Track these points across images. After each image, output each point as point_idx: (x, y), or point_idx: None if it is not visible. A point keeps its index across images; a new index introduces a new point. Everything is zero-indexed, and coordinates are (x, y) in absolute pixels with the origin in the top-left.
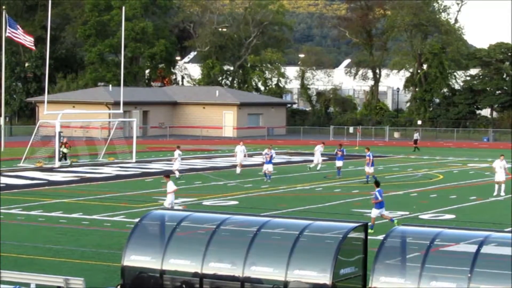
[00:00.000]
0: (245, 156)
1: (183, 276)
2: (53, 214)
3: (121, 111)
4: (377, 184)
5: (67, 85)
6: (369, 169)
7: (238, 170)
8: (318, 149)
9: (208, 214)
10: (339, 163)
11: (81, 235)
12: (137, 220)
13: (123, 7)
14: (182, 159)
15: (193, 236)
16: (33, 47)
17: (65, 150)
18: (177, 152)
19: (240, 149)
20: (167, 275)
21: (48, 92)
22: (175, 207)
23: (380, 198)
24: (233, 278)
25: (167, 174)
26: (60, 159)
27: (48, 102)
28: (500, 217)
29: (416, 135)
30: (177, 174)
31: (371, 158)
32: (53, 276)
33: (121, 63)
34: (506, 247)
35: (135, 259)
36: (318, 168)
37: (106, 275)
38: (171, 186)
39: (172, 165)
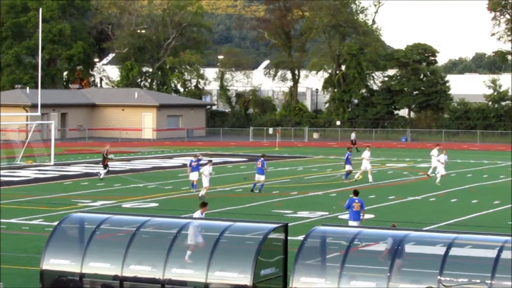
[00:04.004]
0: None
1: (103, 279)
2: None
3: (39, 113)
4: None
5: None
6: (259, 177)
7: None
8: (366, 155)
9: (128, 216)
10: (348, 167)
11: None
12: (56, 223)
13: (40, 9)
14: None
15: (113, 239)
16: None
17: None
18: (207, 168)
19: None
20: (86, 278)
21: None
22: None
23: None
24: (153, 281)
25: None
26: None
27: None
28: (419, 216)
29: (352, 135)
30: (203, 191)
31: (265, 165)
32: None
33: (39, 65)
34: (425, 246)
35: (54, 263)
36: (370, 180)
37: (25, 279)
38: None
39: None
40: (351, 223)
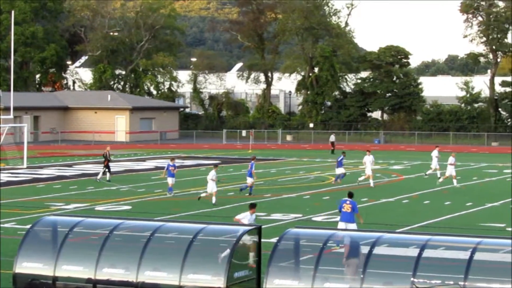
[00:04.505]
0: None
1: (76, 282)
2: None
3: (11, 116)
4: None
5: None
6: (250, 180)
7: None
8: (368, 159)
9: (101, 219)
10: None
11: None
12: (28, 226)
13: (12, 11)
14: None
15: (86, 242)
16: None
17: None
18: (212, 173)
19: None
20: (60, 282)
21: None
22: None
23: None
24: (127, 284)
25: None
26: None
27: None
28: (392, 218)
29: (332, 137)
30: (204, 194)
31: (253, 168)
32: None
33: (11, 68)
34: (398, 248)
35: (27, 266)
36: (360, 179)
37: None
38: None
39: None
40: (340, 224)
